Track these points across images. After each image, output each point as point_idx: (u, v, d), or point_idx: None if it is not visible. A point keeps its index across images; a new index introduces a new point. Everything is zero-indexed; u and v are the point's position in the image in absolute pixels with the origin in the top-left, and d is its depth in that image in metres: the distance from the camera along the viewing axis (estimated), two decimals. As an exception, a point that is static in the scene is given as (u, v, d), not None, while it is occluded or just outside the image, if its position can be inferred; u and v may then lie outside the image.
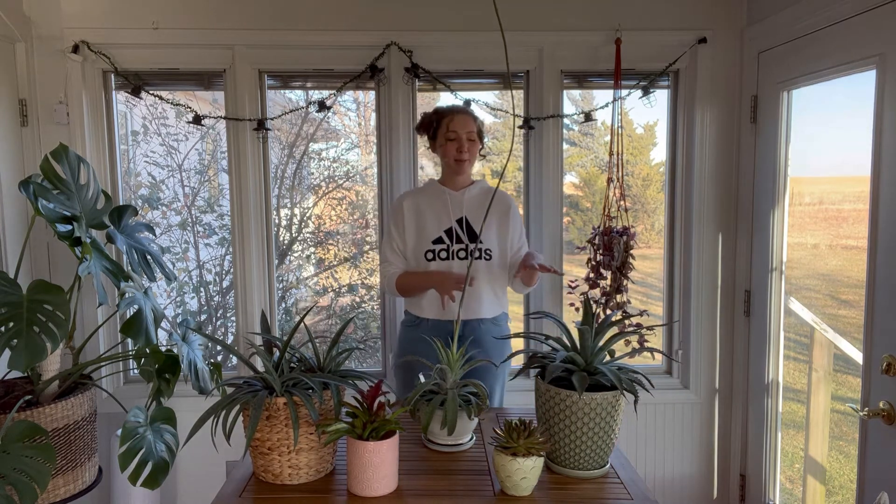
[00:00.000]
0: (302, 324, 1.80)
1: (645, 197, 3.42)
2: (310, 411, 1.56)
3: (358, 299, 3.30)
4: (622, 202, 2.62)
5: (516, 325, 2.97)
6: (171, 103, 2.74)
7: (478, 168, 3.42)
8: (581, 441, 1.63)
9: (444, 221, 2.35)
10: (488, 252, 2.34)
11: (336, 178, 3.23)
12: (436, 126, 2.39)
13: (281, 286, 3.17)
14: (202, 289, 3.24)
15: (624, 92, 2.65)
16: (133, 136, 2.99)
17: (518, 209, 2.46)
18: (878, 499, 1.38)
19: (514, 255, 2.41)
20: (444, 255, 2.33)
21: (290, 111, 2.82)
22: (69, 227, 1.92)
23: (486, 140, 2.45)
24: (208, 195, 3.18)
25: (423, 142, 2.58)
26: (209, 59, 2.66)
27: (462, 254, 2.32)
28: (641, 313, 2.59)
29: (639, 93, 2.69)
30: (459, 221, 2.35)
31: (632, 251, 2.56)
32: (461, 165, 2.34)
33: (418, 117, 2.76)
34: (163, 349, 1.97)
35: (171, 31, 2.61)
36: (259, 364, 1.77)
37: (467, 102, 2.65)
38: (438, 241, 2.34)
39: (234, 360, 3.08)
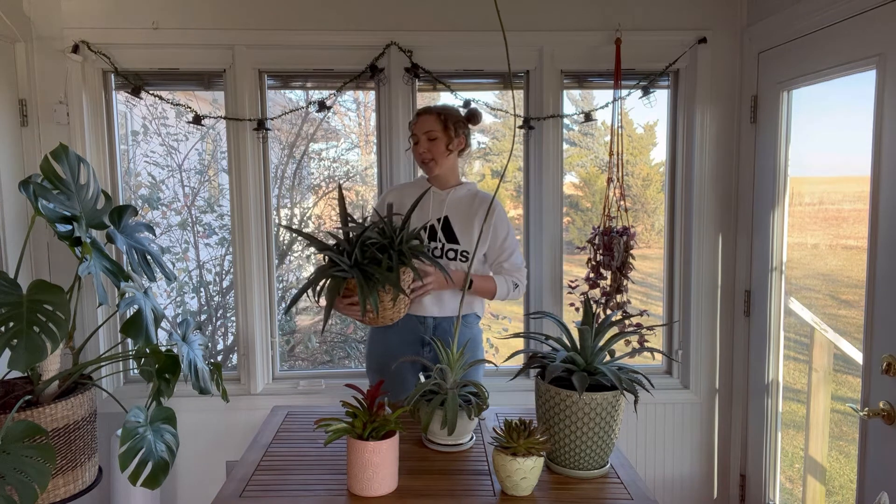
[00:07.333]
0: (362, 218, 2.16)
1: (645, 197, 3.41)
2: (370, 296, 1.87)
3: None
4: (622, 202, 2.62)
5: (516, 325, 2.97)
6: (171, 103, 2.74)
7: (478, 168, 3.42)
8: (581, 441, 1.63)
9: (423, 217, 2.30)
10: (464, 254, 2.28)
11: (336, 178, 3.23)
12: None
13: (281, 286, 3.17)
14: (202, 289, 3.24)
15: (624, 92, 2.65)
16: (133, 136, 2.99)
17: (505, 216, 2.35)
18: (878, 499, 1.38)
19: (496, 261, 2.34)
20: None
21: (290, 111, 2.82)
22: (69, 227, 1.92)
23: (462, 132, 2.29)
24: (208, 195, 3.18)
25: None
26: (209, 59, 2.66)
27: (437, 252, 2.27)
28: (641, 313, 2.59)
29: (639, 93, 2.69)
30: (440, 220, 2.29)
31: (632, 251, 2.56)
32: (427, 166, 2.28)
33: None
34: (163, 349, 1.97)
35: (171, 31, 2.61)
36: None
37: (467, 102, 2.65)
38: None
39: (235, 360, 3.08)
